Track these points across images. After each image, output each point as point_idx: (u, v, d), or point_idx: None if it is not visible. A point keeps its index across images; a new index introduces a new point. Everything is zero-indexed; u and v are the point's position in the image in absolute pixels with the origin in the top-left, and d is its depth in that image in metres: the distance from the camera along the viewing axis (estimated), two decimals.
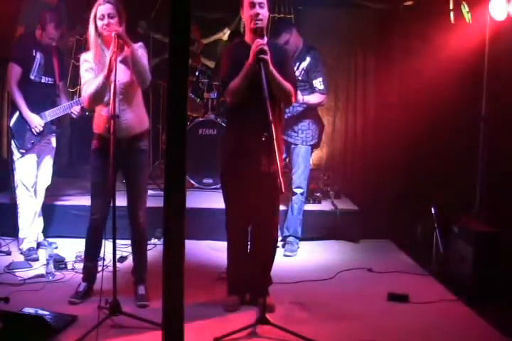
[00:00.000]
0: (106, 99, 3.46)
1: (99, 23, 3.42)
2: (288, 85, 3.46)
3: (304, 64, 4.63)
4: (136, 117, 3.60)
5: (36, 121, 4.38)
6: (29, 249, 4.48)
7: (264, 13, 3.41)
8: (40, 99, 4.41)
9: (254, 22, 3.39)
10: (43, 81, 4.41)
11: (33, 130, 4.38)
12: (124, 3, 3.54)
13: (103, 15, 3.41)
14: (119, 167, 3.48)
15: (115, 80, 3.23)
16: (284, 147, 3.96)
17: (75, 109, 4.42)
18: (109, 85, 3.32)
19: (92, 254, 3.73)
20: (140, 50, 3.57)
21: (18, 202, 4.51)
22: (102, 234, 3.61)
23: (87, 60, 3.54)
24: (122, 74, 3.46)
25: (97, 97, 3.45)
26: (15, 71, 4.33)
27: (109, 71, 3.30)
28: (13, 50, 4.55)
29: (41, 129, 4.40)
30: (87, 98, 3.47)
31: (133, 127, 3.55)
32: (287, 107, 3.94)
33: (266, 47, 3.30)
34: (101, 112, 3.57)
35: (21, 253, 4.51)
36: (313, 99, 4.74)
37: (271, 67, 3.33)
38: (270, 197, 3.48)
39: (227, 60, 3.61)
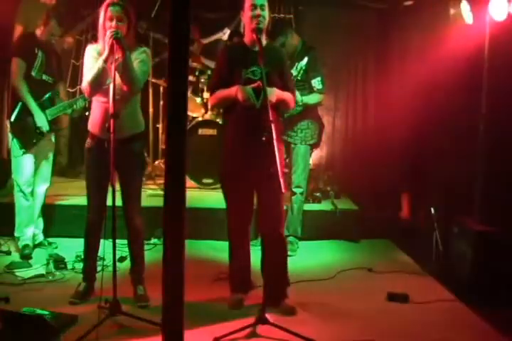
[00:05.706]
0: (105, 87, 3.41)
1: (107, 24, 3.41)
2: (288, 95, 3.54)
3: (303, 63, 4.64)
4: (131, 119, 3.58)
5: (44, 122, 4.35)
6: (23, 246, 4.46)
7: (265, 15, 3.45)
8: (41, 97, 4.40)
9: (256, 22, 3.42)
10: (43, 78, 4.40)
11: (38, 129, 4.34)
12: (134, 5, 3.52)
13: (112, 18, 3.40)
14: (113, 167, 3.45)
15: (114, 80, 3.23)
16: (283, 147, 3.97)
17: (80, 104, 4.40)
18: (109, 69, 3.29)
19: (90, 253, 3.73)
20: (142, 55, 3.56)
21: (15, 201, 4.50)
22: (99, 233, 3.60)
23: (93, 50, 3.52)
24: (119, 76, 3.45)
25: (97, 82, 3.41)
26: (19, 66, 4.30)
27: (109, 54, 3.28)
28: (15, 46, 4.55)
29: (47, 129, 4.38)
30: (88, 83, 3.43)
31: (126, 128, 3.52)
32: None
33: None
34: (96, 110, 3.55)
35: (18, 251, 4.48)
36: (312, 99, 4.74)
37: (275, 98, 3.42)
38: (272, 197, 3.49)
39: (221, 60, 3.66)
